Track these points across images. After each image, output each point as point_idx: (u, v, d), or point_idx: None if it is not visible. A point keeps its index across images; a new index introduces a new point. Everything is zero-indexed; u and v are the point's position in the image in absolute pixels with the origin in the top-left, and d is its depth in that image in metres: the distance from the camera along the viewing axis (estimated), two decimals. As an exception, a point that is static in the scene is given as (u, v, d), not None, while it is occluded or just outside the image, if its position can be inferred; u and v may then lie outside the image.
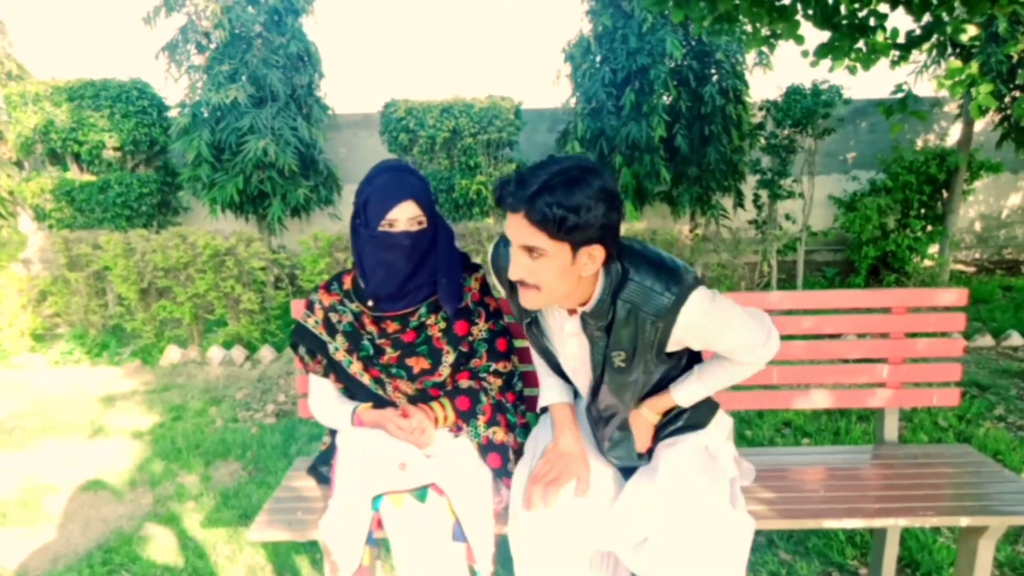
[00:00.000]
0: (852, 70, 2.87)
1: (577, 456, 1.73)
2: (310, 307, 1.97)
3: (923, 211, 6.69)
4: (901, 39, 2.79)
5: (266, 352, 5.25)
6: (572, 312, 1.65)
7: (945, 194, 6.67)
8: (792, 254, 6.78)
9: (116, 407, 4.39)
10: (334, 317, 1.94)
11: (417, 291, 1.87)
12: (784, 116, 6.27)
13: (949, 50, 5.79)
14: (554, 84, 6.77)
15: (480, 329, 1.94)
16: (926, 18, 2.69)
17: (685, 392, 1.71)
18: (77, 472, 3.43)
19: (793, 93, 6.25)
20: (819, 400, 2.24)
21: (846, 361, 2.29)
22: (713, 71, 6.37)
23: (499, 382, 1.95)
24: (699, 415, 1.76)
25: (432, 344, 1.89)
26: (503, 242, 1.72)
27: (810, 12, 2.75)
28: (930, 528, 2.54)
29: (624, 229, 1.59)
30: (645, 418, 1.74)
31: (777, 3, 2.76)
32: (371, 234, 1.78)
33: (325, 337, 1.94)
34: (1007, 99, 6.07)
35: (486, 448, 1.86)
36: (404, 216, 1.77)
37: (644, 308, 1.54)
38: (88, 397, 4.60)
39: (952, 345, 2.24)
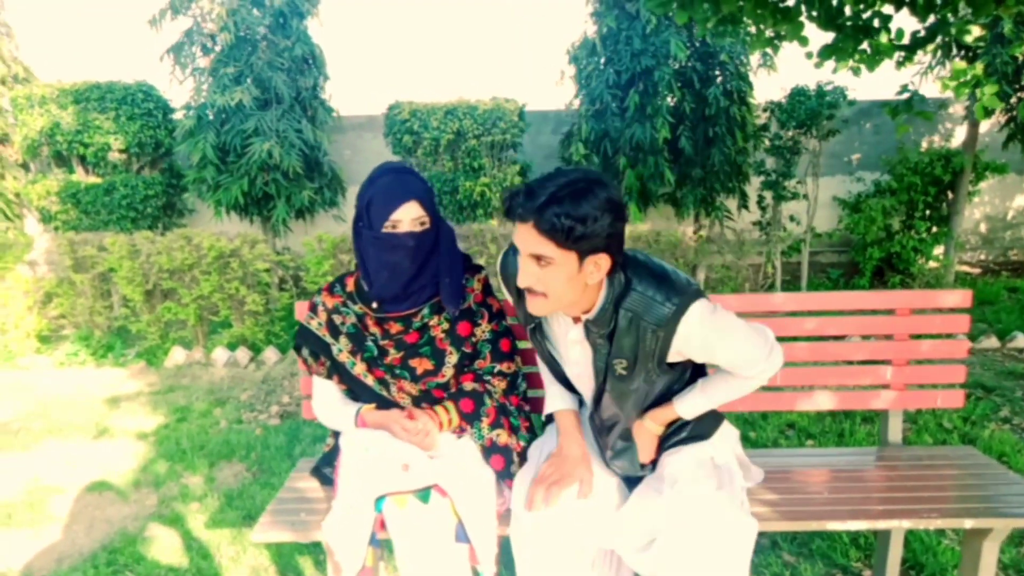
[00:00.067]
0: (856, 71, 2.87)
1: (581, 460, 1.74)
2: (313, 309, 1.98)
3: (928, 212, 6.67)
4: (906, 40, 2.79)
5: (270, 354, 5.26)
6: (576, 320, 1.68)
7: (950, 195, 6.65)
8: (796, 255, 6.76)
9: (121, 408, 4.40)
10: (337, 319, 1.94)
11: (421, 292, 1.88)
12: (788, 117, 6.26)
13: (954, 51, 5.78)
14: (558, 85, 6.77)
15: (483, 330, 1.94)
16: (931, 19, 2.69)
17: (688, 405, 1.73)
18: (82, 473, 3.44)
19: (797, 94, 6.25)
20: (823, 402, 2.24)
21: (850, 363, 2.28)
22: (717, 73, 6.36)
23: (503, 384, 1.95)
24: (703, 426, 1.78)
25: (435, 345, 1.89)
26: (512, 251, 1.75)
27: (814, 13, 2.74)
28: (934, 530, 2.53)
29: (628, 230, 1.61)
30: (649, 429, 1.76)
31: (781, 4, 2.76)
32: (375, 235, 1.79)
33: (328, 339, 1.94)
34: (1013, 100, 6.05)
35: (489, 450, 1.86)
36: (408, 217, 1.78)
37: (645, 317, 1.57)
38: (93, 398, 4.61)
39: (956, 347, 2.23)
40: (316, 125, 6.90)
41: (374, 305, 1.88)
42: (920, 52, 2.87)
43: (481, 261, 5.13)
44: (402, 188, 1.79)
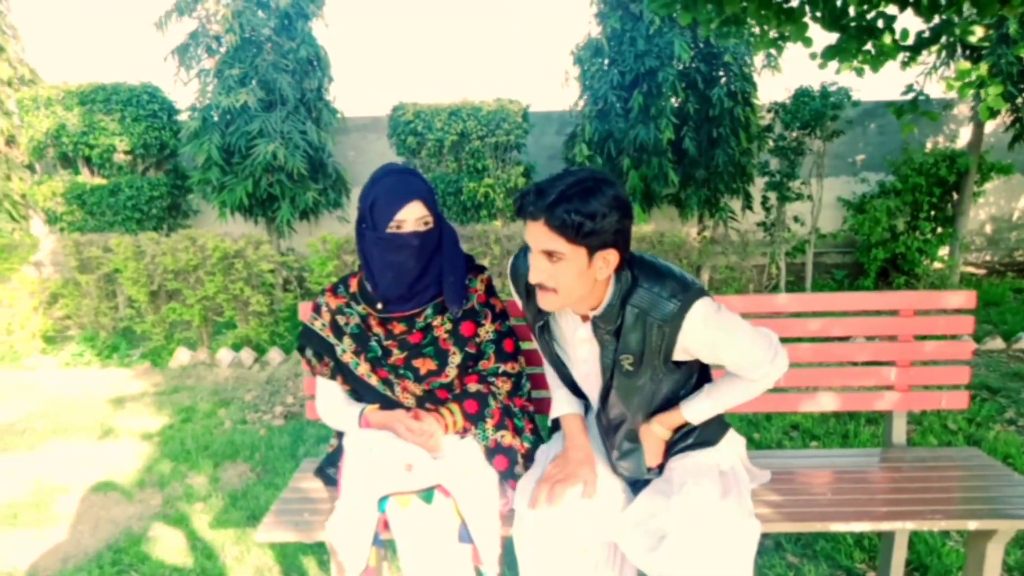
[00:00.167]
0: (859, 72, 2.87)
1: (586, 462, 1.75)
2: (317, 310, 1.98)
3: (933, 213, 6.65)
4: (910, 41, 2.78)
5: (274, 354, 5.27)
6: (584, 319, 1.71)
7: (955, 196, 6.63)
8: (801, 256, 6.75)
9: (126, 409, 4.42)
10: (341, 319, 1.95)
11: (425, 291, 1.88)
12: (792, 118, 6.25)
13: (958, 52, 5.76)
14: (563, 87, 6.77)
15: (487, 331, 1.94)
16: (935, 20, 2.68)
17: (695, 409, 1.75)
18: (87, 473, 3.45)
19: (801, 95, 6.23)
20: (827, 403, 2.24)
21: (854, 364, 2.28)
22: (721, 73, 6.36)
23: (508, 385, 1.96)
24: (709, 432, 1.80)
25: (438, 345, 1.89)
26: (523, 253, 1.80)
27: (818, 14, 2.74)
28: (939, 532, 2.53)
29: (632, 232, 1.63)
30: (656, 433, 1.77)
31: (785, 5, 2.75)
32: (379, 236, 1.79)
33: (332, 339, 1.95)
34: (1018, 100, 6.03)
35: (493, 451, 1.86)
36: (412, 216, 1.78)
37: (652, 313, 1.60)
38: (98, 399, 4.63)
39: (961, 348, 2.23)
40: (320, 126, 6.91)
41: (379, 306, 1.88)
42: (924, 52, 2.86)
43: (485, 262, 5.13)
44: (405, 188, 1.80)
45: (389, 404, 1.91)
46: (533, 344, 2.05)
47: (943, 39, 2.75)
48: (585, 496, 1.69)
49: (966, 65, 3.09)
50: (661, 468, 1.80)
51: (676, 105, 6.29)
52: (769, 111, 6.55)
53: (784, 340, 1.78)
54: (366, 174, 1.92)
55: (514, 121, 6.90)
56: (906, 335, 2.19)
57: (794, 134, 6.38)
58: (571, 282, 1.56)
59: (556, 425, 1.98)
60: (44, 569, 2.66)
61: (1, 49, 7.71)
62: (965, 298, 2.16)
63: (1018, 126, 6.33)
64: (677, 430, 1.79)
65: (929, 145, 7.61)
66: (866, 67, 2.87)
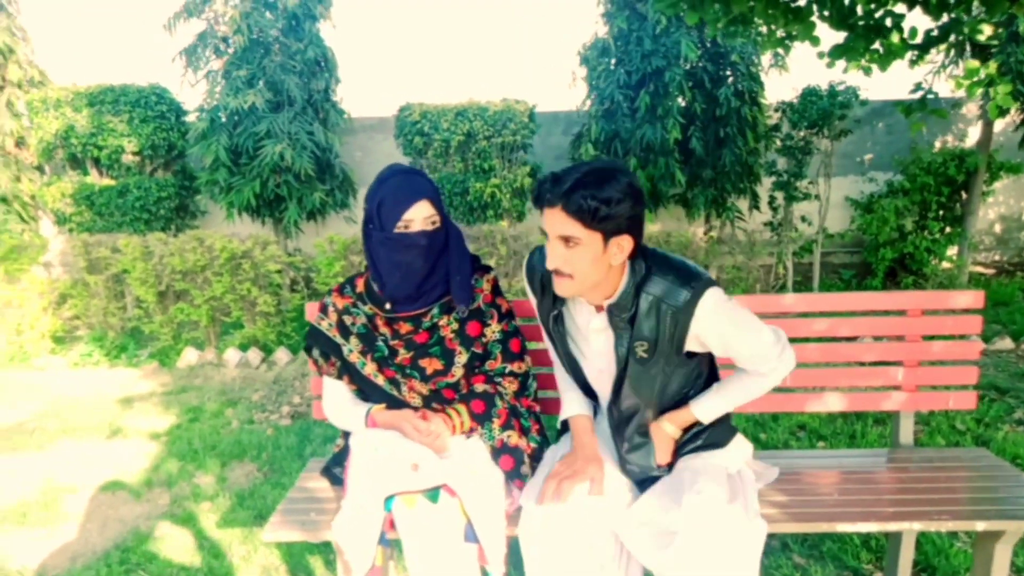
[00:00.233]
0: (867, 71, 2.85)
1: (593, 460, 1.77)
2: (324, 310, 1.99)
3: (941, 213, 6.62)
4: (919, 39, 2.77)
5: (281, 354, 5.29)
6: (599, 309, 1.74)
7: (964, 195, 6.59)
8: (808, 256, 6.73)
9: (134, 408, 4.44)
10: (348, 319, 1.95)
11: (432, 291, 1.89)
12: (800, 117, 6.23)
13: (967, 50, 5.72)
14: (570, 87, 6.77)
15: (493, 331, 1.95)
16: (944, 18, 2.67)
17: (705, 406, 1.78)
18: (95, 472, 3.47)
19: (809, 94, 6.21)
20: (833, 403, 2.23)
21: (861, 364, 2.27)
22: (728, 73, 6.34)
23: (514, 385, 1.96)
24: (718, 434, 1.83)
25: (445, 345, 1.90)
26: (538, 251, 1.84)
27: (826, 13, 2.72)
28: (946, 532, 2.52)
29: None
30: (666, 431, 1.79)
31: (792, 4, 2.74)
32: (386, 236, 1.80)
33: (339, 339, 1.95)
34: (1028, 99, 5.99)
35: (499, 451, 1.86)
36: (419, 216, 1.79)
37: (665, 300, 1.65)
38: (106, 398, 4.65)
39: (969, 348, 2.22)
40: (328, 127, 6.93)
41: (387, 306, 1.89)
42: (933, 51, 2.84)
43: (491, 262, 5.13)
44: (412, 188, 1.80)
45: (396, 404, 1.92)
46: (540, 344, 2.05)
47: (952, 37, 2.73)
48: (592, 493, 1.70)
49: (975, 64, 3.06)
50: (670, 467, 1.81)
51: (683, 105, 6.28)
52: (776, 110, 6.53)
53: (791, 340, 1.78)
54: (373, 174, 1.93)
55: (520, 121, 6.90)
56: (914, 335, 2.18)
57: (801, 133, 6.36)
58: (587, 267, 1.60)
59: (564, 427, 1.99)
60: (53, 568, 2.68)
61: (11, 51, 7.76)
62: (973, 298, 2.15)
63: (1028, 125, 6.30)
64: (687, 431, 1.81)
65: (938, 144, 7.57)
66: (874, 66, 2.85)
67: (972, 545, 2.46)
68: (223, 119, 6.56)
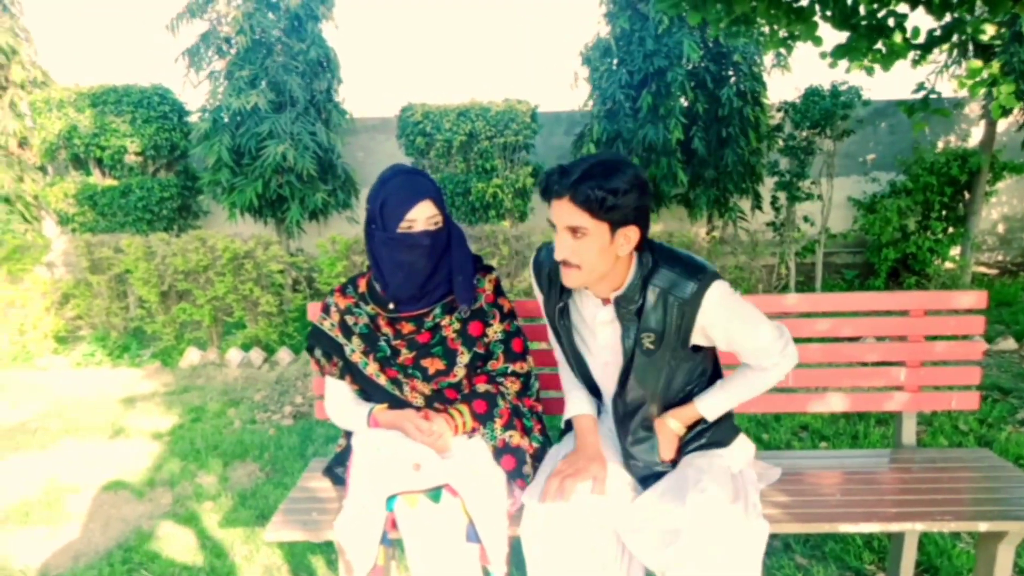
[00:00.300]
0: (869, 71, 2.84)
1: (596, 459, 1.77)
2: (326, 310, 1.99)
3: (944, 213, 6.60)
4: (921, 39, 2.76)
5: (284, 354, 5.29)
6: (606, 302, 1.76)
7: (967, 195, 6.58)
8: (811, 256, 6.72)
9: (136, 408, 4.45)
10: (350, 319, 1.95)
11: (435, 291, 1.89)
12: (802, 117, 6.22)
13: (970, 50, 5.71)
14: (572, 87, 6.76)
15: (495, 331, 1.95)
16: (947, 18, 2.66)
17: (709, 402, 1.80)
18: (98, 472, 3.48)
19: (811, 94, 6.20)
20: (836, 403, 2.23)
21: (864, 364, 2.27)
22: (730, 73, 6.34)
23: (516, 385, 1.96)
24: (722, 432, 1.84)
25: (447, 345, 1.90)
26: (545, 248, 1.86)
27: (828, 13, 2.72)
28: (949, 533, 2.51)
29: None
30: (670, 427, 1.81)
31: (795, 4, 2.74)
32: (389, 236, 1.80)
33: (341, 339, 1.95)
34: (1031, 99, 5.98)
35: (501, 451, 1.86)
36: (422, 216, 1.79)
37: (672, 292, 1.67)
38: (109, 398, 4.66)
39: (971, 348, 2.22)
40: (330, 127, 6.93)
41: (390, 306, 1.89)
42: (935, 51, 2.84)
43: (493, 262, 5.13)
44: (415, 188, 1.80)
45: (398, 404, 1.92)
46: (542, 345, 2.05)
47: (954, 37, 2.73)
48: (595, 492, 1.70)
49: (978, 63, 3.05)
50: (674, 464, 1.82)
51: (685, 105, 6.27)
52: (779, 110, 6.52)
53: (794, 340, 1.78)
54: (375, 175, 1.93)
55: (523, 121, 6.90)
56: (916, 335, 2.18)
57: (804, 133, 6.35)
58: (594, 258, 1.62)
59: (567, 427, 1.99)
60: (55, 567, 2.68)
61: (14, 52, 7.77)
62: (976, 298, 2.15)
63: (1031, 125, 6.28)
64: (691, 428, 1.82)
65: (940, 144, 7.56)
66: (876, 66, 2.85)
67: (975, 546, 2.46)
68: (225, 119, 6.57)
